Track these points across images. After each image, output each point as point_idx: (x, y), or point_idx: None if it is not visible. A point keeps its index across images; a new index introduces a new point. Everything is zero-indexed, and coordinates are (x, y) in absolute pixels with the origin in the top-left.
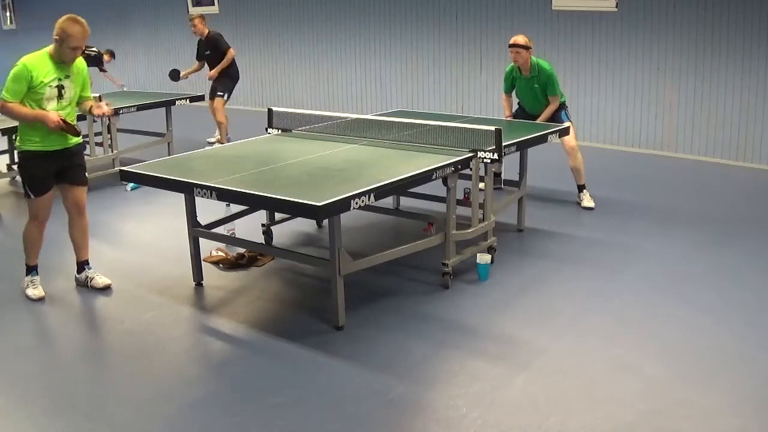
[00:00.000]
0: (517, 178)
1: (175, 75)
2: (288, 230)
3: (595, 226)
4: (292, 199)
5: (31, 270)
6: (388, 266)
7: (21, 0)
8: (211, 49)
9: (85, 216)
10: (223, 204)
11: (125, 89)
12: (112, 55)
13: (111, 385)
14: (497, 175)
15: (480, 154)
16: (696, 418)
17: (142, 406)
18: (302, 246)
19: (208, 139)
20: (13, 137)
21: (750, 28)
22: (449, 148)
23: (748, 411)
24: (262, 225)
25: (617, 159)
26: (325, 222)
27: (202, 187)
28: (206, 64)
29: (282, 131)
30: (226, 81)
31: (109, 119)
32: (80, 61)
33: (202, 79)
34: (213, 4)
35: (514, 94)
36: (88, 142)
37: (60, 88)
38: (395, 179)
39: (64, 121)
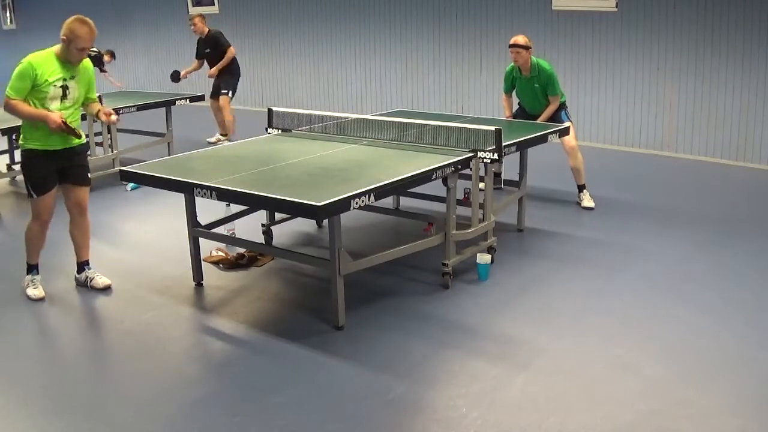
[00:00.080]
0: (517, 178)
1: (175, 76)
2: (288, 230)
3: (595, 226)
4: (292, 199)
5: (32, 269)
6: (388, 266)
7: (21, 0)
8: (211, 47)
9: (86, 216)
10: (223, 204)
11: (123, 88)
12: (112, 55)
13: (111, 385)
14: (497, 175)
15: (480, 154)
16: (696, 418)
17: (142, 406)
18: (302, 246)
19: (208, 139)
20: (13, 137)
21: (750, 28)
22: (449, 148)
23: (748, 411)
24: (262, 225)
25: (617, 159)
26: (325, 222)
27: (202, 187)
28: (206, 63)
29: (282, 131)
30: (229, 78)
31: None
32: (87, 62)
33: (202, 79)
34: (213, 4)
35: (514, 94)
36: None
37: (64, 88)
38: (395, 179)
39: (65, 123)
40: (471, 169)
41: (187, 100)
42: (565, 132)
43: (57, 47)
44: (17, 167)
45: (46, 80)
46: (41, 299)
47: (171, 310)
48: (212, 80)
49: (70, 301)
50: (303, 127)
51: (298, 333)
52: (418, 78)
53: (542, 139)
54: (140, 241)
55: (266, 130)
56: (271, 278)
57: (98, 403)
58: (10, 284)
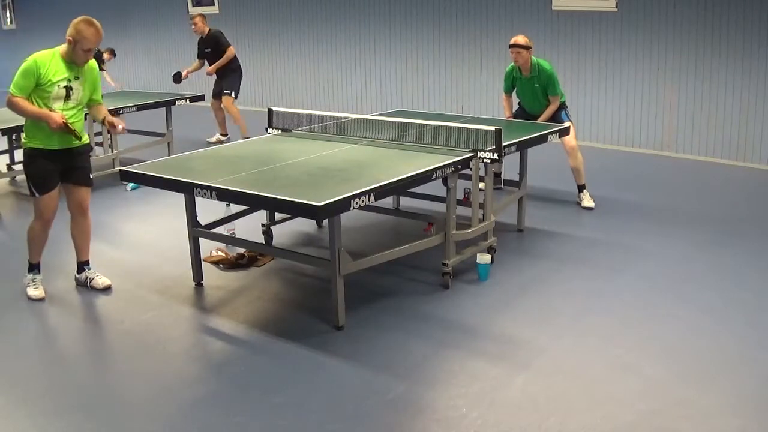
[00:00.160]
0: (517, 178)
1: (177, 77)
2: (288, 230)
3: (595, 226)
4: (292, 199)
5: (33, 268)
6: (388, 266)
7: (21, 0)
8: (212, 47)
9: (88, 217)
10: (223, 204)
11: (122, 88)
12: (112, 53)
13: (111, 385)
14: (497, 175)
15: (480, 154)
16: (696, 418)
17: (142, 406)
18: (302, 246)
19: (208, 139)
20: (13, 137)
21: (750, 28)
22: (449, 148)
23: (748, 411)
24: (262, 225)
25: (617, 159)
26: (325, 222)
27: (202, 187)
28: (207, 63)
29: (282, 131)
30: (231, 79)
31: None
32: (92, 64)
33: (202, 79)
34: (213, 4)
35: (514, 94)
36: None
37: (68, 89)
38: (395, 179)
39: (65, 123)
40: (471, 169)
41: (187, 100)
42: (565, 132)
43: (62, 47)
44: (17, 167)
45: (50, 80)
46: (41, 299)
47: (171, 310)
48: (211, 79)
49: (70, 301)
50: (303, 127)
51: (298, 333)
52: (418, 78)
53: (542, 139)
54: (140, 241)
55: (266, 130)
56: (271, 278)
57: (98, 403)
58: (10, 284)
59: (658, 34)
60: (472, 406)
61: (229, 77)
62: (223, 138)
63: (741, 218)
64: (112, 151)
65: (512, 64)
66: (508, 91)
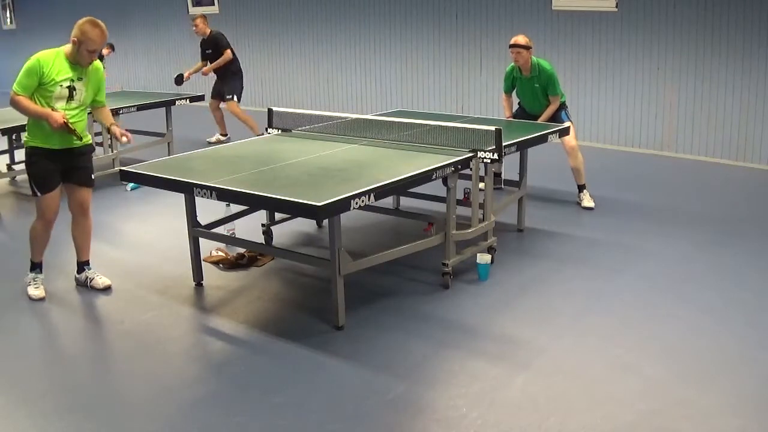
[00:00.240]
0: (517, 178)
1: (179, 80)
2: (288, 230)
3: (595, 226)
4: (292, 199)
5: (35, 267)
6: (388, 266)
7: (21, 0)
8: (213, 48)
9: (89, 217)
10: (223, 204)
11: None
12: (111, 48)
13: (111, 385)
14: (497, 175)
15: (480, 154)
16: (696, 418)
17: (142, 406)
18: (302, 246)
19: (208, 139)
20: (13, 137)
21: (750, 28)
22: (449, 148)
23: (748, 411)
24: (262, 225)
25: (617, 159)
26: (325, 222)
27: (202, 187)
28: (208, 64)
29: (282, 131)
30: (232, 82)
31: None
32: (97, 65)
33: (202, 79)
34: (213, 4)
35: (514, 94)
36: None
37: (71, 89)
38: (395, 179)
39: (66, 123)
40: (471, 169)
41: (187, 100)
42: (565, 132)
43: (67, 47)
44: (17, 167)
45: (53, 79)
46: (41, 299)
47: (171, 310)
48: (211, 80)
49: (70, 301)
50: (303, 127)
51: (298, 333)
52: (418, 78)
53: (542, 139)
54: (140, 241)
55: (266, 130)
56: (271, 278)
57: (98, 403)
58: (10, 284)
59: (658, 34)
60: (472, 406)
61: (229, 81)
62: (222, 138)
63: (741, 218)
64: (112, 151)
65: (512, 64)
66: (508, 91)
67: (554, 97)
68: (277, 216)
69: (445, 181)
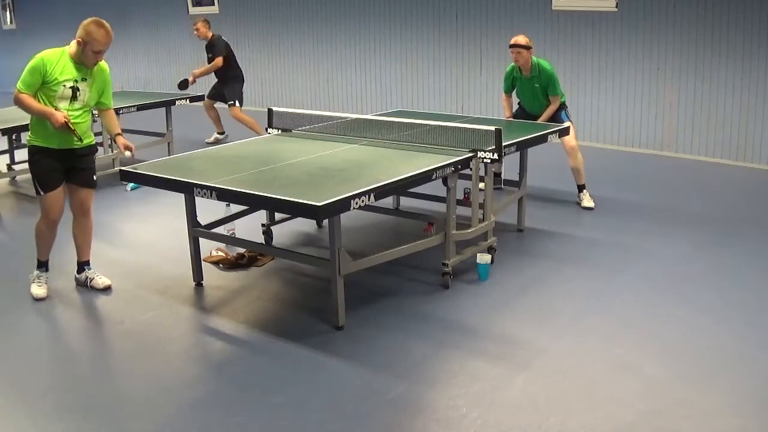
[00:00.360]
0: (517, 178)
1: (184, 84)
2: (288, 230)
3: (595, 226)
4: (292, 199)
5: (42, 265)
6: (388, 266)
7: (21, 0)
8: (213, 53)
9: (90, 218)
10: (223, 204)
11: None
12: None
13: (111, 385)
14: (497, 175)
15: (480, 154)
16: (696, 418)
17: (142, 406)
18: (302, 246)
19: (206, 140)
20: (13, 137)
21: (750, 28)
22: (449, 148)
23: (748, 411)
24: (262, 225)
25: (617, 159)
26: (325, 222)
27: (202, 187)
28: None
29: (282, 131)
30: (231, 87)
31: None
32: (103, 66)
33: (205, 80)
34: (213, 4)
35: (514, 94)
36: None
37: (75, 89)
38: (395, 179)
39: (67, 123)
40: (471, 169)
41: (187, 100)
42: (565, 132)
43: (72, 47)
44: (17, 167)
45: (56, 79)
46: (43, 299)
47: (171, 310)
48: (210, 80)
49: (70, 301)
50: (303, 127)
51: (298, 333)
52: (418, 78)
53: (542, 139)
54: (140, 241)
55: (266, 130)
56: (271, 278)
57: (98, 403)
58: (10, 284)
59: (658, 34)
60: (472, 406)
61: (229, 85)
62: (220, 136)
63: (741, 218)
64: (112, 151)
65: (512, 64)
66: (508, 91)
67: (554, 97)
68: (277, 216)
69: (445, 181)
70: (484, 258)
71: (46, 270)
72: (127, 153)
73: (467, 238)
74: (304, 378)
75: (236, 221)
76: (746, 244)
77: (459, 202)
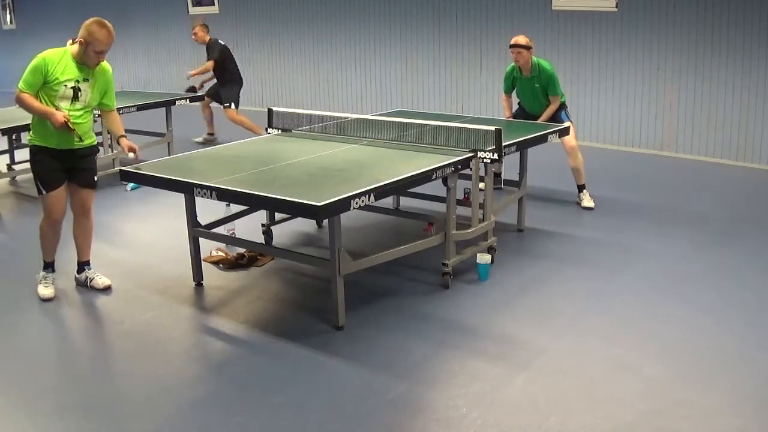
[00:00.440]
0: (517, 178)
1: (192, 91)
2: (288, 230)
3: (595, 226)
4: (292, 199)
5: (48, 266)
6: (388, 266)
7: (21, 0)
8: (208, 56)
9: (90, 218)
10: (223, 204)
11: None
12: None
13: (111, 385)
14: (497, 175)
15: (480, 154)
16: (696, 418)
17: (142, 406)
18: (302, 246)
19: (195, 139)
20: (13, 137)
21: (750, 28)
22: (449, 148)
23: (748, 411)
24: (262, 225)
25: (617, 159)
26: (325, 222)
27: (202, 187)
28: (212, 71)
29: (282, 131)
30: (229, 89)
31: None
32: (106, 66)
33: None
34: (213, 4)
35: (514, 94)
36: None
37: (76, 89)
38: (395, 179)
39: (67, 123)
40: (471, 169)
41: (187, 100)
42: (565, 132)
43: (74, 47)
44: (17, 167)
45: (57, 78)
46: (50, 299)
47: (171, 310)
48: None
49: (70, 301)
50: (303, 127)
51: (298, 333)
52: (418, 78)
53: (542, 139)
54: (140, 241)
55: (266, 130)
56: (271, 278)
57: (98, 402)
58: (10, 284)
59: (658, 34)
60: (472, 406)
61: (226, 87)
62: (209, 137)
63: (741, 218)
64: (112, 151)
65: (512, 64)
66: (508, 92)
67: (554, 97)
68: (277, 216)
69: (445, 181)
70: (484, 258)
71: (53, 271)
72: (131, 155)
73: (467, 238)
74: (304, 378)
75: (236, 221)
76: (746, 244)
77: (459, 202)
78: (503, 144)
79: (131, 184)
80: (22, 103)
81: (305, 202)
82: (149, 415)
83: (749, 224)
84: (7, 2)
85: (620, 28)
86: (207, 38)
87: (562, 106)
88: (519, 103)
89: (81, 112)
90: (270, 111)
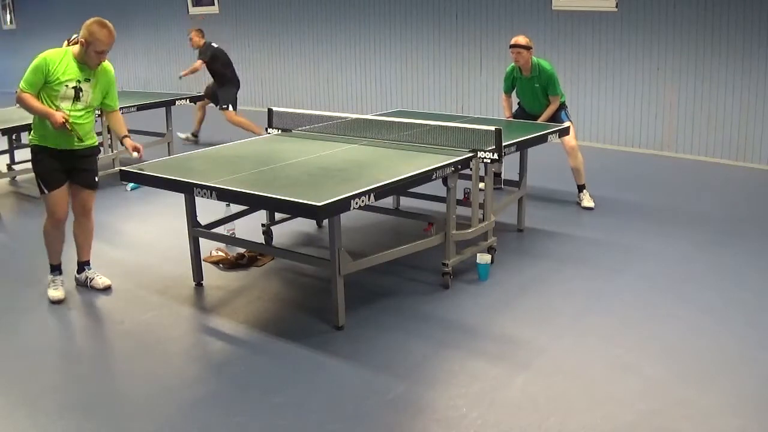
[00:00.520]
0: (517, 178)
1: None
2: (288, 230)
3: (595, 226)
4: (292, 199)
5: (55, 269)
6: (388, 266)
7: (21, 0)
8: (200, 58)
9: (90, 219)
10: (223, 204)
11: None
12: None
13: (111, 385)
14: (497, 175)
15: (480, 154)
16: (696, 418)
17: (142, 406)
18: (302, 246)
19: (179, 134)
20: (13, 137)
21: (750, 28)
22: (449, 148)
23: (748, 411)
24: (262, 225)
25: (617, 159)
26: (325, 222)
27: (202, 187)
28: (210, 74)
29: (282, 131)
30: (226, 90)
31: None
32: (107, 67)
33: (206, 80)
34: (213, 4)
35: (514, 94)
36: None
37: (77, 90)
38: (395, 179)
39: (65, 123)
40: (471, 169)
41: (187, 100)
42: (565, 132)
43: (75, 47)
44: (17, 167)
45: (58, 78)
46: (60, 301)
47: (171, 310)
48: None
49: (70, 301)
50: (303, 127)
51: (298, 333)
52: (418, 78)
53: (542, 139)
54: (140, 241)
55: (266, 130)
56: (271, 278)
57: (98, 402)
58: (10, 284)
59: (658, 34)
60: (472, 406)
61: (224, 89)
62: (192, 137)
63: (741, 218)
64: (112, 151)
65: (512, 64)
66: (508, 92)
67: (554, 97)
68: (277, 216)
69: (445, 181)
70: (484, 258)
71: (60, 273)
72: (135, 154)
73: (467, 238)
74: (304, 378)
75: (236, 221)
76: (746, 244)
77: (459, 202)
78: (503, 144)
79: (131, 184)
80: (22, 103)
81: (305, 202)
82: (149, 415)
83: (749, 224)
84: (7, 2)
85: (620, 28)
86: (202, 42)
87: (562, 106)
88: (519, 103)
89: (82, 113)
90: (270, 111)
